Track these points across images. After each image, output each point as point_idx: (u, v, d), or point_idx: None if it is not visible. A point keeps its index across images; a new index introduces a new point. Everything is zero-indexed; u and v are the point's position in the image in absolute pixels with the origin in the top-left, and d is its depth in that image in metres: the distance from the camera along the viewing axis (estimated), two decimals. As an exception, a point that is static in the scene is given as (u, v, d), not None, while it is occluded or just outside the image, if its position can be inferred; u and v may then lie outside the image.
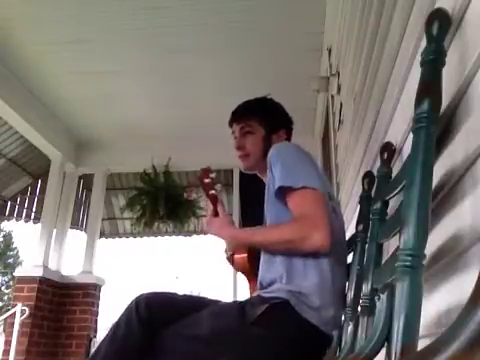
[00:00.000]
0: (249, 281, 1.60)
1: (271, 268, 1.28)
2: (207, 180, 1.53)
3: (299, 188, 1.22)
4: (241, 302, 1.28)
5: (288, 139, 1.58)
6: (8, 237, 25.87)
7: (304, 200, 1.22)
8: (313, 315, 1.17)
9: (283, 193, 1.25)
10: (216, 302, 1.37)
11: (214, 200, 1.51)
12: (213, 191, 1.52)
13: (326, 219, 1.19)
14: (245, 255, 1.55)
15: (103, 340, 1.25)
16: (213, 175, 1.55)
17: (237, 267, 1.60)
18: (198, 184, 1.60)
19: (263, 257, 1.34)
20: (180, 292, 1.43)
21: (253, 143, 1.52)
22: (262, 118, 1.54)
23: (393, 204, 1.15)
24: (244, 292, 1.46)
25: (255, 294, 1.31)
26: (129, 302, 1.27)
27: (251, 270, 1.54)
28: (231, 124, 1.59)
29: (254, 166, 1.55)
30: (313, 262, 1.23)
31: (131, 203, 5.07)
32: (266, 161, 1.42)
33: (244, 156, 1.54)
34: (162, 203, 4.86)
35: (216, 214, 1.47)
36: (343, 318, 1.27)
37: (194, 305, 1.32)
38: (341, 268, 1.30)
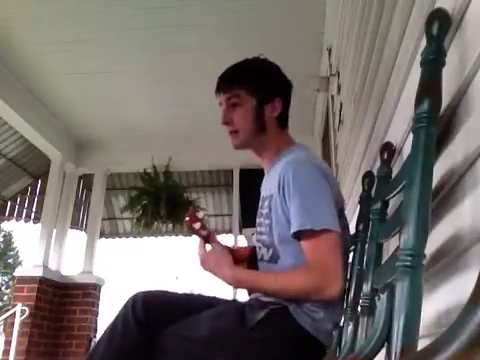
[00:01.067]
0: None
1: None
2: (196, 225, 1.36)
3: (318, 231, 1.14)
4: (240, 304, 1.27)
5: (285, 107, 1.38)
6: (8, 237, 25.88)
7: (322, 246, 1.14)
8: (311, 324, 1.16)
9: (300, 234, 1.17)
10: (215, 300, 1.36)
11: (208, 240, 1.36)
12: (205, 232, 1.35)
13: (342, 268, 1.14)
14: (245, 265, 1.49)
15: (100, 340, 1.24)
16: (201, 215, 1.38)
17: None
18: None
19: (262, 268, 1.31)
20: (178, 291, 1.42)
21: (242, 116, 1.32)
22: (252, 86, 1.33)
23: (393, 204, 1.15)
24: (244, 292, 1.43)
25: (254, 296, 1.31)
26: (125, 301, 1.25)
27: None
28: (218, 93, 1.38)
29: (245, 143, 1.36)
30: None
31: (131, 203, 5.07)
32: (265, 142, 1.34)
33: (233, 132, 1.34)
34: (162, 203, 4.86)
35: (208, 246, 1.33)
36: (343, 318, 1.27)
37: (191, 303, 1.31)
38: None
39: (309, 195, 1.19)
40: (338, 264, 1.14)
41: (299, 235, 1.17)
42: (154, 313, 1.23)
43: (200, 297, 1.41)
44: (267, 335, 1.14)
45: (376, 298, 0.73)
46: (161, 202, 4.86)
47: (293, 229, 1.17)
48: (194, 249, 1.36)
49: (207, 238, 1.37)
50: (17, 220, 6.23)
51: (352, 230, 1.44)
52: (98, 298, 4.93)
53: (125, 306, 1.24)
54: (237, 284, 1.30)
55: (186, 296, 1.41)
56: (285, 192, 1.21)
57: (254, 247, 1.47)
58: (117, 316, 1.24)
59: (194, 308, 1.25)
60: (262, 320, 1.15)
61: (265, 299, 1.21)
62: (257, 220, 1.36)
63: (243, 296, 1.46)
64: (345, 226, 1.31)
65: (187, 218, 1.37)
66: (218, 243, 1.38)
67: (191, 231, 1.38)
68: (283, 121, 1.40)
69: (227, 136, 1.37)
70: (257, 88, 1.33)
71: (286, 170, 1.22)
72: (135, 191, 5.11)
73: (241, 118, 1.33)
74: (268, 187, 1.33)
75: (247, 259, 1.42)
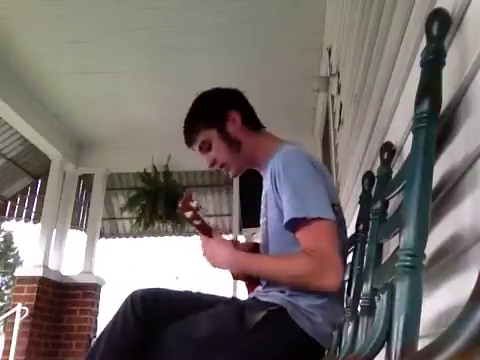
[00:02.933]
0: (247, 286, 1.57)
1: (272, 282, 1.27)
2: (188, 214, 1.35)
3: (312, 219, 1.14)
4: (240, 304, 1.27)
5: (246, 113, 1.40)
6: (8, 237, 25.87)
7: (317, 233, 1.14)
8: (309, 326, 1.16)
9: (294, 223, 1.17)
10: (214, 298, 1.36)
11: (203, 229, 1.36)
12: (198, 221, 1.35)
13: (339, 257, 1.12)
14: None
15: (100, 337, 1.24)
16: (194, 204, 1.37)
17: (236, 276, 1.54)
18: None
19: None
20: (178, 289, 1.42)
21: (217, 150, 1.37)
22: (202, 122, 1.39)
23: (393, 204, 1.15)
24: (243, 292, 1.43)
25: (253, 295, 1.31)
26: (125, 298, 1.25)
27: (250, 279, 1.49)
28: (189, 147, 1.47)
29: (240, 168, 1.42)
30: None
31: (131, 203, 5.06)
32: (251, 153, 1.36)
33: (223, 167, 1.40)
34: (161, 203, 4.86)
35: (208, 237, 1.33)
36: (343, 318, 1.27)
37: (190, 301, 1.31)
38: (341, 293, 1.29)
39: (300, 184, 1.19)
40: (336, 253, 1.13)
41: (293, 225, 1.17)
42: (153, 310, 1.22)
43: (199, 295, 1.41)
44: (266, 337, 1.15)
45: (376, 298, 0.73)
46: (160, 202, 4.86)
47: (286, 218, 1.17)
48: (196, 247, 1.35)
49: (202, 228, 1.36)
50: (17, 220, 6.22)
51: (352, 230, 1.44)
52: (98, 298, 4.93)
53: (124, 303, 1.24)
54: (237, 265, 1.29)
55: (185, 293, 1.41)
56: (276, 183, 1.22)
57: (256, 243, 1.47)
58: (117, 313, 1.24)
59: (193, 306, 1.25)
60: (261, 322, 1.15)
61: (264, 299, 1.22)
62: (261, 221, 1.38)
63: (242, 294, 1.45)
64: (341, 222, 1.32)
65: (179, 205, 1.37)
66: (217, 233, 1.37)
67: (185, 219, 1.38)
68: (251, 124, 1.40)
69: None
70: (206, 120, 1.39)
71: (276, 162, 1.24)
72: (135, 191, 5.11)
73: (218, 153, 1.38)
74: (265, 188, 1.35)
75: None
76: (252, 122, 1.41)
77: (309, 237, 1.15)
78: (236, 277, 1.49)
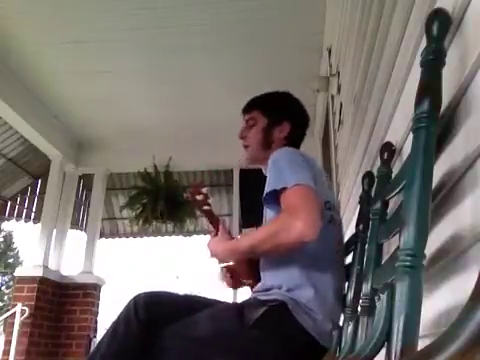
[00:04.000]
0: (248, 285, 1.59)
1: (270, 278, 1.28)
2: (199, 197, 1.50)
3: (292, 186, 1.18)
4: (240, 304, 1.28)
5: (294, 132, 1.53)
6: (8, 237, 25.87)
7: (292, 195, 1.18)
8: (309, 322, 1.16)
9: (277, 196, 1.21)
10: (215, 302, 1.37)
11: (209, 215, 1.49)
12: (207, 207, 1.49)
13: (311, 208, 1.12)
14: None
15: (101, 340, 1.25)
16: (205, 190, 1.52)
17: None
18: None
19: (261, 267, 1.35)
20: (179, 292, 1.43)
21: (254, 133, 1.52)
22: (265, 109, 1.53)
23: (393, 204, 1.15)
24: (243, 293, 1.44)
25: (252, 295, 1.31)
26: (127, 302, 1.26)
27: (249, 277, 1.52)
28: (242, 114, 1.59)
29: (254, 157, 1.53)
30: (311, 274, 1.22)
31: (131, 201, 5.06)
32: (266, 153, 1.42)
33: (245, 147, 1.54)
34: (162, 203, 4.85)
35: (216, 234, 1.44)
36: (343, 318, 1.27)
37: (193, 304, 1.32)
38: (339, 281, 1.30)
39: (284, 164, 1.26)
40: (307, 204, 1.13)
41: (275, 197, 1.21)
42: (156, 313, 1.23)
43: (201, 298, 1.42)
44: (266, 333, 1.15)
45: (376, 298, 0.72)
46: (161, 201, 4.86)
47: (266, 191, 1.23)
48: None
49: (210, 214, 1.47)
50: (17, 220, 6.22)
51: (352, 230, 1.44)
52: (98, 298, 4.93)
53: (127, 306, 1.25)
54: (231, 253, 1.35)
55: (187, 297, 1.43)
56: (268, 173, 1.28)
57: None
58: (119, 316, 1.25)
59: (195, 309, 1.26)
60: (261, 318, 1.15)
61: (263, 297, 1.22)
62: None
63: (242, 296, 1.47)
64: (336, 220, 1.35)
65: (190, 190, 1.51)
66: (222, 225, 1.46)
67: (194, 203, 1.51)
68: (292, 143, 1.50)
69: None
70: (269, 110, 1.53)
71: (270, 158, 1.31)
72: (135, 190, 5.10)
73: (253, 135, 1.52)
74: None
75: None
76: (292, 143, 1.50)
77: (286, 200, 1.19)
78: (236, 282, 1.54)
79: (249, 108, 1.56)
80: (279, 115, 1.52)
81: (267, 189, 1.24)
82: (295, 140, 1.53)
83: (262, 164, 1.51)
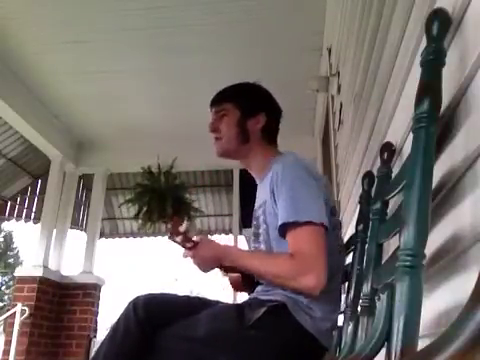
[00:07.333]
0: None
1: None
2: (178, 239, 1.31)
3: (303, 223, 1.16)
4: (240, 304, 1.28)
5: (271, 125, 1.47)
6: (8, 237, 25.87)
7: (305, 236, 1.16)
8: (309, 322, 1.17)
9: (286, 228, 1.19)
10: (215, 303, 1.37)
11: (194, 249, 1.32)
12: (189, 244, 1.31)
13: (323, 260, 1.13)
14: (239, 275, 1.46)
15: (102, 343, 1.25)
16: (183, 228, 1.38)
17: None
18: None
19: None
20: (179, 293, 1.42)
21: (227, 124, 1.43)
22: (238, 100, 1.45)
23: (393, 204, 1.15)
24: (243, 293, 1.43)
25: (252, 296, 1.31)
26: (126, 304, 1.26)
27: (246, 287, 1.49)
28: (210, 108, 1.51)
29: (228, 150, 1.46)
30: None
31: (137, 197, 5.03)
32: (248, 153, 1.42)
33: (217, 139, 1.46)
34: (162, 203, 4.84)
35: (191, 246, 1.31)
36: (343, 318, 1.27)
37: (192, 306, 1.31)
38: (339, 281, 1.30)
39: (296, 190, 1.22)
40: (320, 256, 1.14)
41: (285, 229, 1.19)
42: (156, 315, 1.23)
43: (201, 298, 1.41)
44: (266, 333, 1.15)
45: (376, 298, 0.73)
46: (161, 201, 4.84)
47: (279, 222, 1.20)
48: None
49: (193, 248, 1.32)
50: (17, 220, 6.22)
51: (352, 230, 1.44)
52: (98, 298, 4.93)
53: (127, 308, 1.25)
54: (228, 257, 1.28)
55: (187, 298, 1.42)
56: (274, 190, 1.25)
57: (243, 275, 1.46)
58: (119, 318, 1.25)
59: (195, 309, 1.26)
60: (261, 318, 1.15)
61: (264, 297, 1.22)
62: (253, 230, 1.38)
63: (242, 297, 1.46)
64: (336, 225, 1.34)
65: (171, 230, 1.36)
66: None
67: (176, 243, 1.33)
68: (269, 135, 1.46)
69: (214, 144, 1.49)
70: (242, 103, 1.45)
71: (276, 170, 1.27)
72: (140, 188, 5.08)
73: (225, 126, 1.44)
74: (261, 196, 1.36)
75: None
76: (269, 135, 1.47)
77: (296, 240, 1.17)
78: (235, 287, 1.51)
79: (219, 100, 1.48)
80: (253, 107, 1.45)
81: (280, 220, 1.19)
82: (272, 132, 1.48)
83: (238, 158, 1.48)
